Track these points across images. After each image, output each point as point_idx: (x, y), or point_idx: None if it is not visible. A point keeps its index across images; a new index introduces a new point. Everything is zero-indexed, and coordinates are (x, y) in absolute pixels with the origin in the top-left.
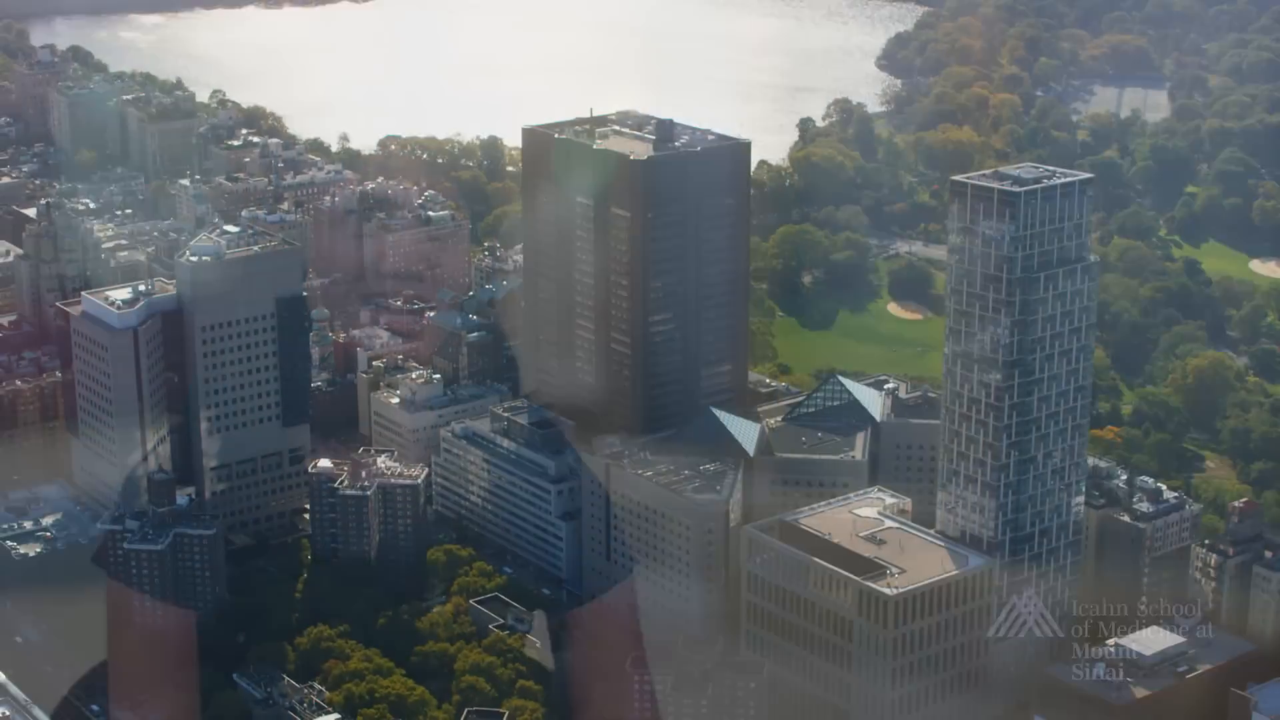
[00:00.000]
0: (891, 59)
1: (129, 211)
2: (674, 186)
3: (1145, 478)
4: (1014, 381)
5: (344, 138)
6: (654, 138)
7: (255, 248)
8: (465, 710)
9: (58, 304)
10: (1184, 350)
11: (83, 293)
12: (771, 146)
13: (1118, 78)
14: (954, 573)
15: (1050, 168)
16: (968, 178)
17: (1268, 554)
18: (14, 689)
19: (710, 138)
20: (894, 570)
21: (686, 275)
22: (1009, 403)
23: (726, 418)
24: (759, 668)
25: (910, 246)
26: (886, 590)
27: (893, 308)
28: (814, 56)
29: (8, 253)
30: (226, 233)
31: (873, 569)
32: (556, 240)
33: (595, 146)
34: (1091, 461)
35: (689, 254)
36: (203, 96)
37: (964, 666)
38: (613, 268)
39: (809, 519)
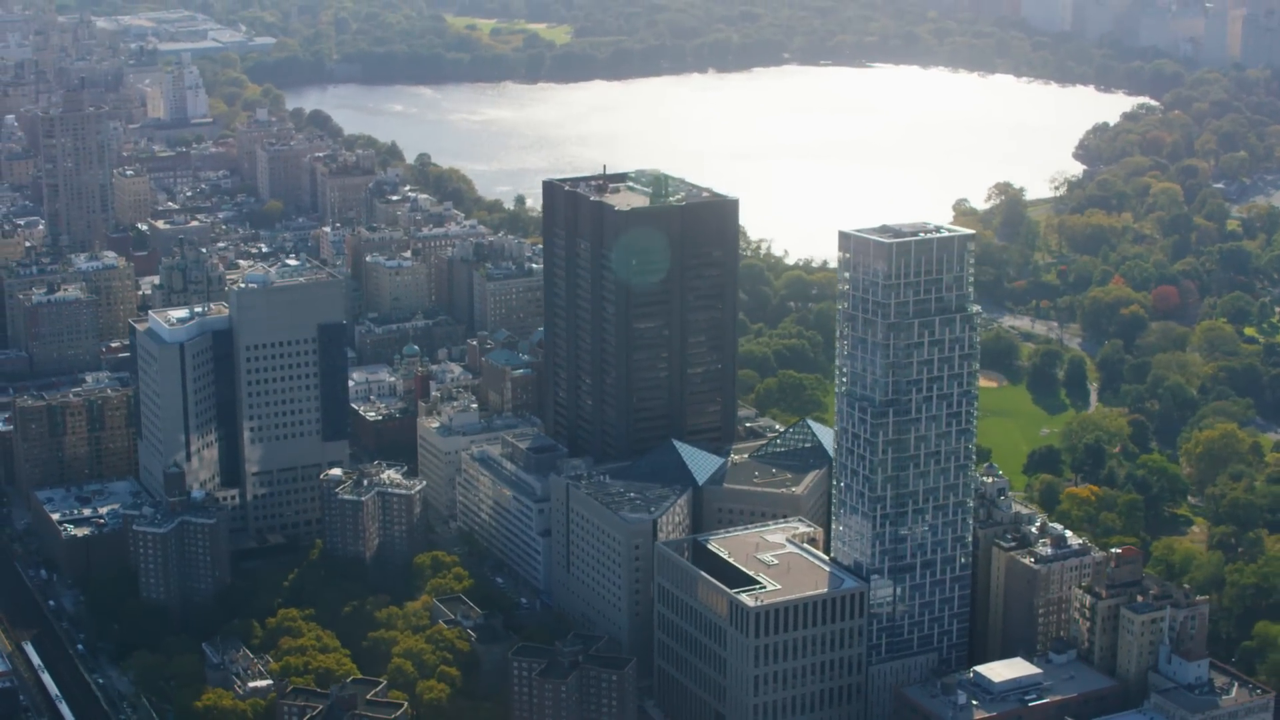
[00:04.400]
0: (1086, 148)
1: (292, 255)
2: (657, 237)
3: (1056, 525)
4: (889, 420)
5: (520, 199)
6: (650, 192)
7: (301, 279)
8: (350, 678)
9: (129, 320)
10: (1206, 424)
11: (149, 311)
12: None
13: None
14: (821, 591)
15: (938, 224)
16: (857, 230)
17: (1139, 599)
18: (29, 648)
19: (704, 195)
20: (767, 586)
21: (672, 319)
22: (883, 439)
23: (684, 449)
24: (624, 663)
25: (1016, 321)
26: (749, 602)
27: None
28: (1025, 141)
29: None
30: (286, 265)
31: (747, 584)
32: (566, 283)
33: (592, 199)
34: (1015, 509)
35: (673, 299)
36: (411, 158)
37: (836, 682)
38: (605, 309)
39: (718, 540)
